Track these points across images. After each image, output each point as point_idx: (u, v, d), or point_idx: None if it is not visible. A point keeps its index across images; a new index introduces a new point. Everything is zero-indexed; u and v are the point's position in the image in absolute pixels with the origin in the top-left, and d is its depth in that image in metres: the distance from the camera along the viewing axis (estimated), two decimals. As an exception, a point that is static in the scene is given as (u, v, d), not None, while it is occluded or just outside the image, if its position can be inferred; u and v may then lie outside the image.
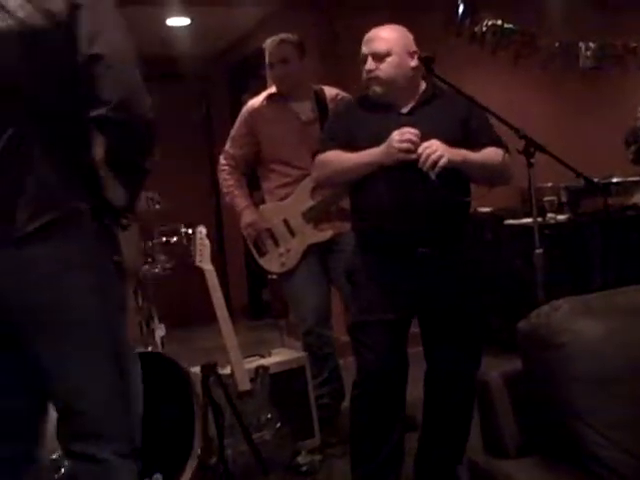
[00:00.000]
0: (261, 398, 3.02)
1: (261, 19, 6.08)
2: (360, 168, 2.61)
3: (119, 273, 1.84)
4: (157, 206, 3.48)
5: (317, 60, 4.84)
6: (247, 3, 5.59)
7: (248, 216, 3.65)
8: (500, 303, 5.14)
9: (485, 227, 5.30)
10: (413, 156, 2.47)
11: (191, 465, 3.01)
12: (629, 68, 5.97)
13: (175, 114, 7.11)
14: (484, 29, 5.54)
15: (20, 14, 1.66)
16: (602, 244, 4.99)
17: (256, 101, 3.69)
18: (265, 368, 3.12)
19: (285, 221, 3.59)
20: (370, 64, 2.62)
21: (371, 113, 2.67)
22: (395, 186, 2.56)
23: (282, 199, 3.60)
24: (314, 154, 2.78)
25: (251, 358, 3.36)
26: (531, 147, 2.62)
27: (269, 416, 2.99)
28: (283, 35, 3.61)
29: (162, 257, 3.42)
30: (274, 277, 3.91)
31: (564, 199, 5.19)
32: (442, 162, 2.44)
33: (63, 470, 2.68)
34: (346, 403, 3.25)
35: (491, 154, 2.61)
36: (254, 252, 3.72)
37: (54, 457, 2.69)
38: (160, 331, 3.43)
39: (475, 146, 2.60)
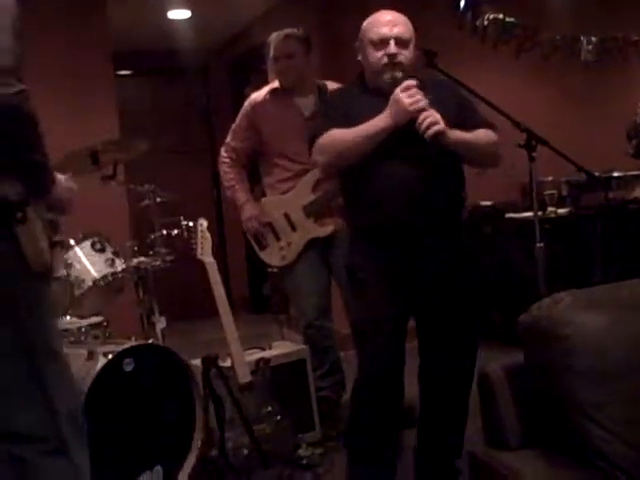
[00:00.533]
0: (262, 391, 3.02)
1: (263, 13, 6.06)
2: (373, 138, 2.48)
3: (22, 270, 1.77)
4: (158, 199, 3.49)
5: (319, 54, 4.83)
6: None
7: (249, 210, 3.65)
8: (500, 297, 5.15)
9: (485, 220, 5.30)
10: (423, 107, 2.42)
11: (191, 457, 3.02)
12: (631, 62, 5.95)
13: (176, 107, 7.13)
14: (485, 23, 5.53)
15: None
16: (603, 238, 4.99)
17: (259, 95, 3.68)
18: (266, 361, 3.12)
19: (286, 215, 3.58)
20: (394, 48, 2.53)
21: (368, 97, 2.60)
22: (401, 176, 2.53)
23: (283, 193, 3.60)
24: (311, 140, 2.63)
25: (251, 350, 3.36)
26: (533, 141, 2.62)
27: (269, 409, 3.00)
28: (289, 30, 3.59)
29: (163, 250, 3.42)
30: (275, 270, 3.91)
31: (565, 193, 5.20)
32: (438, 127, 2.40)
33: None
34: (347, 396, 3.25)
35: (483, 134, 2.61)
36: (255, 246, 3.72)
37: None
38: (161, 324, 3.43)
39: (467, 128, 2.58)
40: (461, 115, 2.61)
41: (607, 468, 1.72)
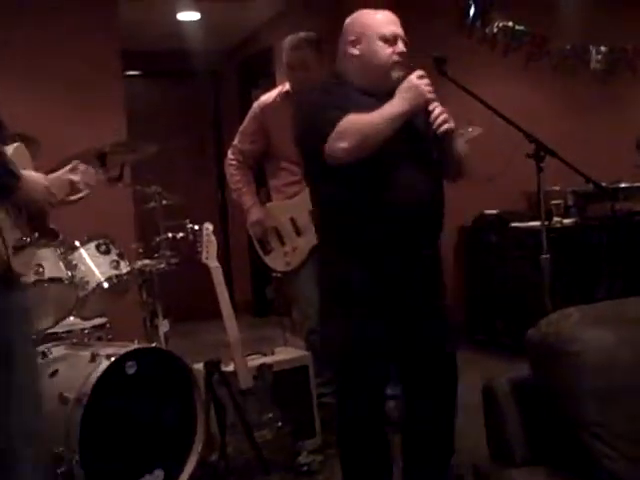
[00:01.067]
0: (263, 396, 3.02)
1: (272, 16, 6.07)
2: (394, 122, 2.35)
3: None
4: (164, 202, 3.48)
5: (328, 57, 4.82)
6: (258, -1, 5.59)
7: (255, 214, 3.64)
8: (505, 306, 5.14)
9: (491, 229, 5.29)
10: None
11: (192, 461, 3.01)
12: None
13: (184, 109, 7.13)
14: (495, 31, 5.52)
15: None
16: (608, 249, 4.98)
17: (268, 97, 3.67)
18: (269, 366, 3.12)
19: (292, 220, 3.58)
20: (403, 47, 2.50)
21: (357, 95, 2.50)
22: (416, 185, 2.46)
23: (290, 197, 3.59)
24: (324, 134, 2.37)
25: (254, 356, 3.35)
26: (541, 151, 2.61)
27: (271, 415, 2.99)
28: (303, 34, 3.56)
29: (167, 252, 3.42)
30: (278, 275, 3.91)
31: (571, 203, 5.18)
32: (452, 124, 2.39)
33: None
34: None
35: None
36: (259, 250, 3.72)
37: (57, 451, 2.70)
38: (164, 327, 3.42)
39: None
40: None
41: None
